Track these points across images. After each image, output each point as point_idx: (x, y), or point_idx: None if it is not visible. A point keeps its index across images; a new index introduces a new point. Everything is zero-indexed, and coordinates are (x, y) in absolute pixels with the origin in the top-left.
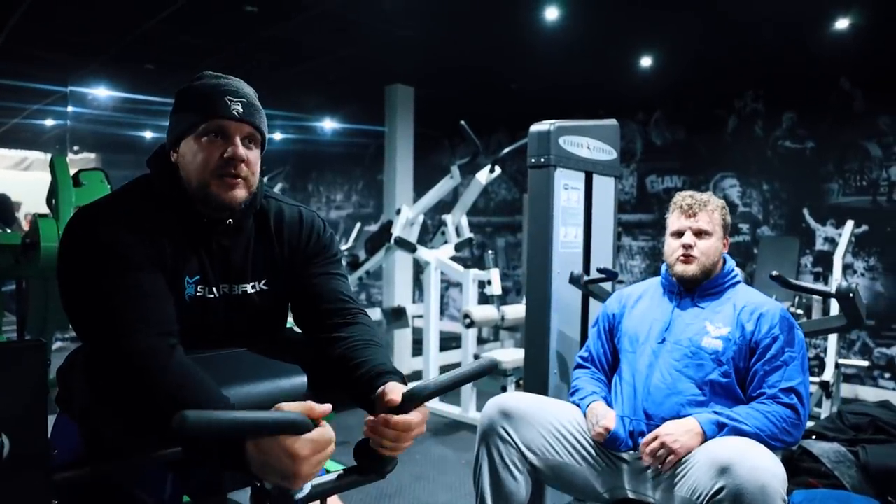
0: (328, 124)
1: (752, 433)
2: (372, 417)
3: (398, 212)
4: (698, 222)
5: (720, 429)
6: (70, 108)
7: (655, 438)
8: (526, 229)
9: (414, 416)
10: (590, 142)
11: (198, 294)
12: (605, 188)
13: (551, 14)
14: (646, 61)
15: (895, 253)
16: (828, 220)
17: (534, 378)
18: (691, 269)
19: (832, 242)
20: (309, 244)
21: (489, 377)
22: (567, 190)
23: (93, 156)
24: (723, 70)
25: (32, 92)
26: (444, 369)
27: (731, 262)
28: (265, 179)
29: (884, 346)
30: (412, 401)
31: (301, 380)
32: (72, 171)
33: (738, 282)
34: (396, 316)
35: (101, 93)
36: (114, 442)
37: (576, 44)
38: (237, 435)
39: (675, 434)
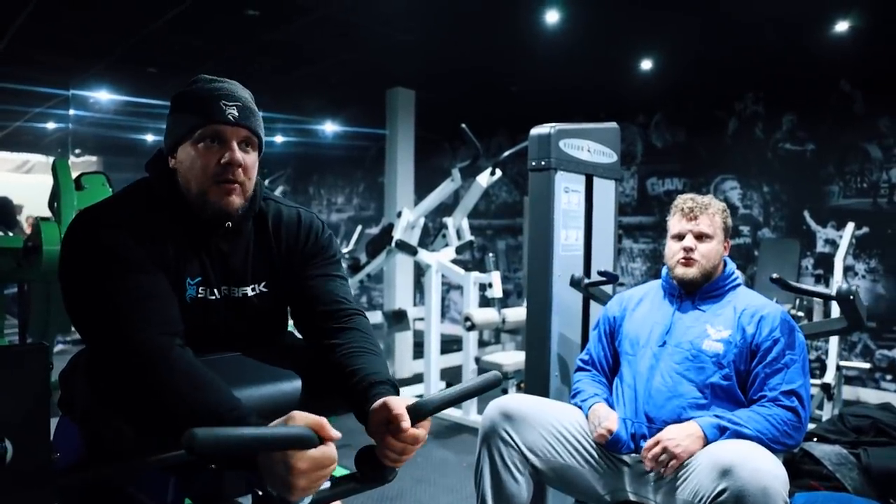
0: (329, 127)
1: (753, 436)
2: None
3: (399, 215)
4: (699, 225)
5: (721, 432)
6: (72, 112)
7: (657, 443)
8: (526, 232)
9: (420, 430)
10: (590, 145)
11: (199, 295)
12: (605, 191)
13: (551, 17)
14: (646, 64)
15: None
16: (828, 222)
17: (535, 380)
18: (692, 272)
19: (833, 244)
20: (307, 245)
21: None
22: (567, 193)
23: (94, 159)
24: (723, 72)
25: (34, 95)
26: (444, 372)
27: (731, 265)
28: (266, 182)
29: (885, 348)
30: (418, 414)
31: (296, 385)
32: (73, 175)
33: (739, 284)
34: (397, 319)
35: (103, 96)
36: (116, 445)
37: (576, 46)
38: (244, 452)
39: (676, 438)
